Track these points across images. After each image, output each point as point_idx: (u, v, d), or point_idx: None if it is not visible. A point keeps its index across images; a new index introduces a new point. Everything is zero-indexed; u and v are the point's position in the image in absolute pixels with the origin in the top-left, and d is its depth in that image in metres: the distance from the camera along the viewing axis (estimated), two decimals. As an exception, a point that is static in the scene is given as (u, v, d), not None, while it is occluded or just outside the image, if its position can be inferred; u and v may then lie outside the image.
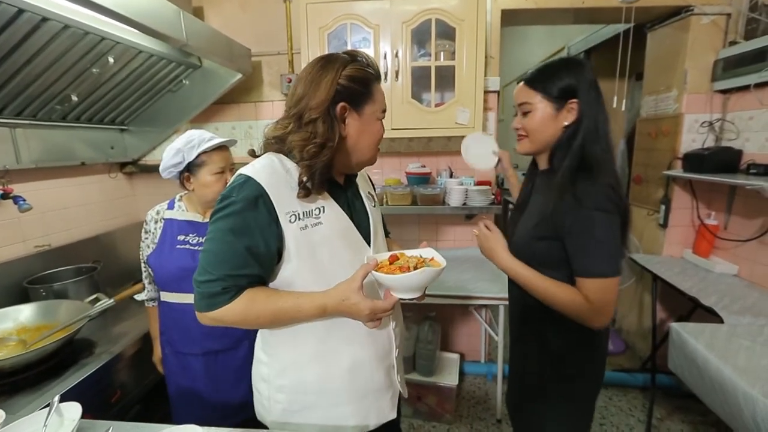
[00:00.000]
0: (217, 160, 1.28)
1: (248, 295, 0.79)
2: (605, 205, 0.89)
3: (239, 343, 1.32)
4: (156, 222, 1.35)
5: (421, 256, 0.88)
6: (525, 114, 1.00)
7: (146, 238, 1.35)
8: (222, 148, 1.31)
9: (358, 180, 1.01)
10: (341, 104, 0.82)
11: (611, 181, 0.92)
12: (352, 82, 0.82)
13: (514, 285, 1.09)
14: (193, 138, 1.26)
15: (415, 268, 0.81)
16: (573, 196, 0.90)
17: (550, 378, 1.06)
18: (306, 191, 0.81)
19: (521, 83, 1.02)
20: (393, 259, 0.87)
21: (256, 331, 1.28)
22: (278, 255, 0.83)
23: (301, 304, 0.81)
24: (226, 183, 1.23)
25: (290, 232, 0.81)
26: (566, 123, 0.96)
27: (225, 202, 0.79)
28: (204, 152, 1.26)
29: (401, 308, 1.10)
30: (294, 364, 0.91)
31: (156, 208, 1.37)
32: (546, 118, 0.97)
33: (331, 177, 0.89)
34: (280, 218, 0.80)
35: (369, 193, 1.04)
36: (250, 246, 0.78)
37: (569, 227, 0.92)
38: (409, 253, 0.90)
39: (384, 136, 0.95)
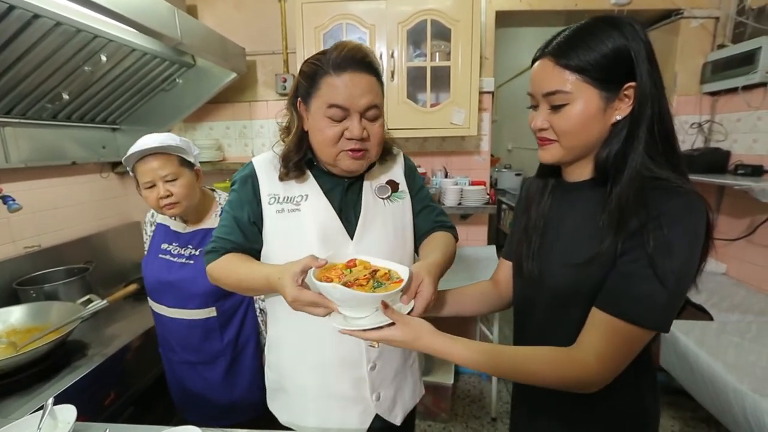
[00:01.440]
0: (142, 172, 1.15)
1: (227, 257, 0.88)
2: (696, 228, 0.61)
3: (215, 360, 1.28)
4: (151, 225, 1.35)
5: (386, 272, 0.72)
6: (555, 108, 0.66)
7: (146, 241, 1.36)
8: (148, 159, 1.14)
9: (376, 170, 0.95)
10: (298, 99, 0.86)
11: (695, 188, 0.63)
12: (301, 77, 0.85)
13: (520, 281, 0.84)
14: (132, 147, 1.14)
15: (357, 283, 0.67)
16: (645, 209, 0.62)
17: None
18: (285, 170, 0.88)
19: (544, 59, 0.67)
20: (350, 265, 0.73)
21: (232, 349, 1.29)
22: (260, 232, 0.91)
23: (253, 272, 0.82)
24: (160, 197, 1.14)
25: (268, 212, 0.88)
26: (618, 117, 0.65)
27: (232, 181, 0.95)
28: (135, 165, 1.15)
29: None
30: (275, 344, 0.98)
31: (151, 211, 1.34)
32: (591, 114, 0.64)
33: (320, 166, 0.90)
34: (262, 198, 0.89)
35: (389, 182, 0.95)
36: (236, 216, 0.89)
37: (627, 249, 0.63)
38: (381, 263, 0.74)
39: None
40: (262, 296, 1.28)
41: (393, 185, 0.95)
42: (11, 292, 1.61)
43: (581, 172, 0.73)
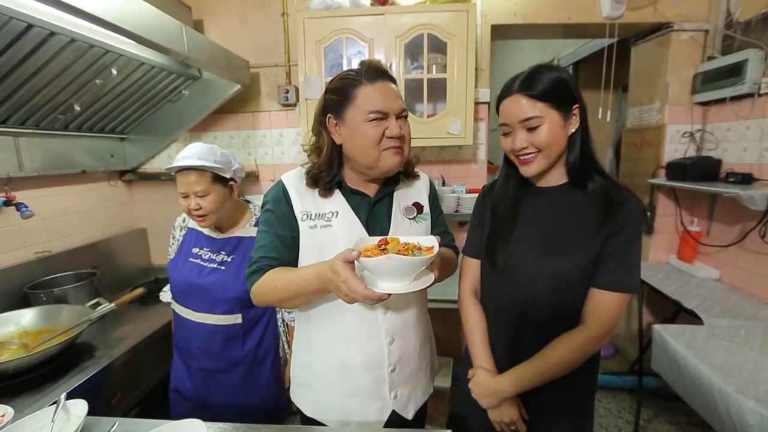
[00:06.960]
0: (179, 183, 1.23)
1: (273, 271, 0.92)
2: (641, 217, 0.89)
3: (233, 368, 1.30)
4: (181, 229, 1.37)
5: (417, 243, 0.82)
6: (532, 129, 0.88)
7: (172, 244, 1.37)
8: (186, 172, 1.20)
9: (403, 190, 1.03)
10: (328, 116, 0.93)
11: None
12: (331, 94, 0.92)
13: (505, 285, 0.98)
14: (178, 156, 1.22)
15: (400, 254, 0.76)
16: (620, 205, 0.87)
17: (569, 394, 0.98)
18: (312, 183, 0.95)
19: (515, 95, 0.89)
20: (382, 244, 0.82)
21: (251, 357, 1.30)
22: (298, 246, 0.96)
23: (301, 273, 0.88)
24: (190, 209, 1.21)
25: (302, 228, 0.95)
26: (572, 130, 0.90)
27: (263, 203, 1.00)
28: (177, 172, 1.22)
29: (415, 326, 1.03)
30: (304, 343, 1.04)
31: (183, 215, 1.37)
32: (557, 130, 0.88)
33: (347, 185, 0.97)
34: (296, 214, 0.95)
35: (415, 203, 1.03)
36: (278, 233, 0.94)
37: (614, 239, 0.87)
38: (407, 239, 0.84)
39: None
40: (287, 309, 1.33)
41: (418, 207, 1.03)
42: (23, 295, 1.67)
43: (556, 178, 0.96)
